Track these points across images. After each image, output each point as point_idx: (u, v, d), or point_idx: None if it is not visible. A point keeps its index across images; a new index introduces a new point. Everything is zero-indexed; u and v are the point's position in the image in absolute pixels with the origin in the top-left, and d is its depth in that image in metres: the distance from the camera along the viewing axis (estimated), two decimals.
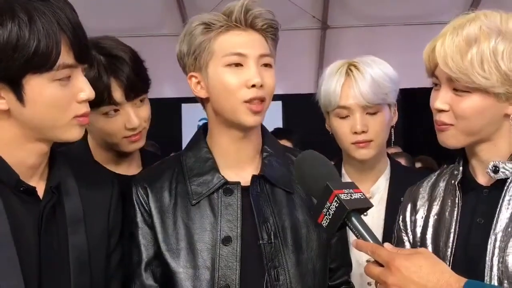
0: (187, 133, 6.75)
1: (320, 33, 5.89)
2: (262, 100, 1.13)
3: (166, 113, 6.49)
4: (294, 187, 1.19)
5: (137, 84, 1.33)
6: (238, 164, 1.19)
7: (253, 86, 1.10)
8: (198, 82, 1.17)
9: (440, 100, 1.03)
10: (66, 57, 0.91)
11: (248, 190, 1.16)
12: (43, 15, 0.88)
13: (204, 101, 1.20)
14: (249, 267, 1.12)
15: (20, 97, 0.90)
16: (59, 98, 0.92)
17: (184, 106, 6.60)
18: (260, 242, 1.13)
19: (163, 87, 6.50)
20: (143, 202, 1.16)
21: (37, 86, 0.90)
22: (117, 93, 1.30)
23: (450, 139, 1.05)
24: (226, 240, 1.13)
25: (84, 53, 0.95)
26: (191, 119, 6.66)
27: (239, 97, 1.11)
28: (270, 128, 1.29)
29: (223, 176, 1.16)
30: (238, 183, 1.16)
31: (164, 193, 1.17)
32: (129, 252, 1.16)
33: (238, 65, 1.12)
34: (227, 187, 1.16)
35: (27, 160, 0.97)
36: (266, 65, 1.15)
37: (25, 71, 0.88)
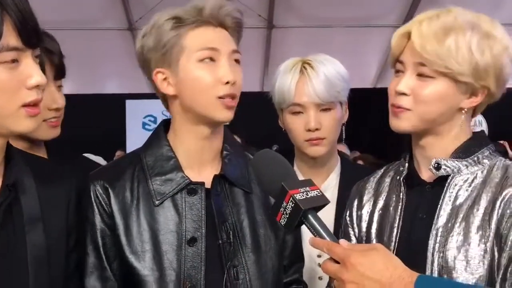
0: (131, 130, 6.61)
1: (266, 32, 5.94)
2: (233, 96, 1.14)
3: (110, 109, 6.33)
4: (253, 186, 1.20)
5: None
6: (200, 163, 1.18)
7: (227, 83, 1.11)
8: (165, 79, 1.14)
9: (404, 83, 1.06)
10: (10, 38, 0.87)
11: (210, 190, 1.16)
12: None
13: (169, 98, 1.17)
14: (211, 267, 1.12)
15: None
16: (4, 83, 0.88)
17: (129, 102, 6.45)
18: (220, 242, 1.13)
19: (106, 82, 6.33)
20: (103, 203, 1.13)
21: None
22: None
23: (404, 122, 1.07)
24: (192, 241, 1.12)
25: (33, 37, 0.91)
26: (135, 116, 6.53)
27: (213, 93, 1.11)
28: None
29: (187, 176, 1.15)
30: (202, 183, 1.15)
31: (126, 193, 1.14)
32: (89, 253, 1.13)
33: (211, 59, 1.11)
34: (191, 187, 1.14)
35: None
36: (236, 61, 1.16)
37: None
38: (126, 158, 1.23)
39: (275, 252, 1.19)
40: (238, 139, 3.19)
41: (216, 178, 1.17)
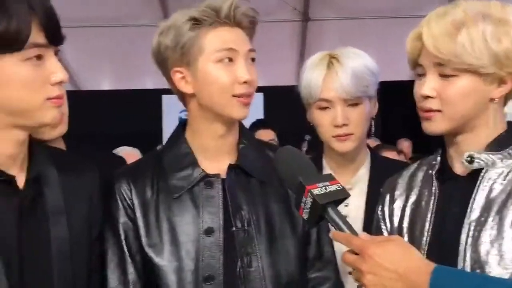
0: (168, 125, 6.71)
1: (301, 25, 5.92)
2: (249, 94, 1.17)
3: (147, 104, 6.45)
4: (270, 178, 1.21)
5: None
6: (216, 156, 1.21)
7: (245, 82, 1.14)
8: (183, 77, 1.17)
9: (427, 86, 1.04)
10: (36, 37, 0.91)
11: (225, 181, 1.19)
12: None
13: (186, 96, 1.21)
14: (228, 255, 1.15)
15: None
16: (31, 79, 0.92)
17: (165, 98, 6.56)
18: (234, 229, 1.16)
19: (143, 78, 6.45)
20: (127, 198, 1.18)
21: (8, 66, 0.91)
22: None
23: (437, 125, 1.06)
24: (209, 231, 1.15)
25: (56, 35, 0.95)
26: (171, 110, 6.62)
27: (230, 92, 1.14)
28: (251, 120, 1.31)
29: (203, 170, 1.19)
30: (218, 175, 1.19)
31: (146, 188, 1.18)
32: (111, 247, 1.17)
33: (229, 60, 1.14)
34: (208, 179, 1.18)
35: (5, 149, 0.97)
36: (252, 59, 1.19)
37: None
38: (148, 157, 1.28)
39: (292, 244, 1.20)
40: (273, 133, 3.22)
41: (231, 167, 1.20)
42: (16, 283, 0.94)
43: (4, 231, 0.94)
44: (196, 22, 1.14)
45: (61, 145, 1.40)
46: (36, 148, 1.04)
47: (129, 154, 2.68)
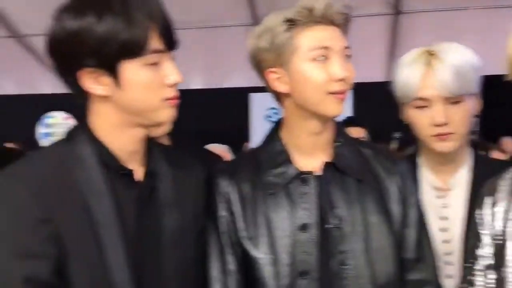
0: (255, 122, 6.81)
1: (392, 18, 5.70)
2: (344, 92, 1.17)
3: (235, 102, 6.59)
4: (365, 176, 1.20)
5: None
6: (311, 154, 1.22)
7: (341, 80, 1.14)
8: (278, 78, 1.19)
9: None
10: (155, 43, 0.99)
11: (320, 178, 1.19)
12: (136, 8, 0.97)
13: (281, 95, 1.23)
14: (322, 252, 1.16)
15: (117, 82, 0.99)
16: (150, 81, 1.00)
17: (252, 96, 6.65)
18: (328, 226, 1.16)
19: (231, 76, 6.58)
20: (226, 193, 1.22)
21: (131, 71, 0.98)
22: None
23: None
24: (304, 227, 1.16)
25: (172, 41, 1.03)
26: (259, 108, 6.71)
27: (325, 90, 1.15)
28: (340, 117, 1.28)
29: (297, 167, 1.20)
30: (312, 172, 1.20)
31: (243, 184, 1.22)
32: (212, 238, 1.21)
33: (324, 57, 1.15)
34: (302, 177, 1.20)
35: (127, 146, 1.06)
36: (347, 56, 1.18)
37: (120, 58, 0.97)
38: (245, 155, 1.33)
39: (389, 243, 1.18)
40: (363, 130, 3.13)
41: (326, 165, 1.20)
42: (135, 270, 1.02)
43: (126, 220, 1.02)
44: (291, 23, 1.16)
45: (166, 142, 1.48)
46: (152, 144, 1.12)
47: (219, 150, 2.75)
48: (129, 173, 1.06)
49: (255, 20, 5.73)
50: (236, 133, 6.29)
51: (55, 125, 7.29)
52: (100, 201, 0.99)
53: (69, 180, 0.99)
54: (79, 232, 0.97)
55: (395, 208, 1.21)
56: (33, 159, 1.04)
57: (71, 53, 0.97)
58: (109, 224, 0.99)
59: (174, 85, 1.03)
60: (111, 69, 0.98)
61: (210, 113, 6.37)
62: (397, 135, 3.23)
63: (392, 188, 1.22)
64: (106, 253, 0.98)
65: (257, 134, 6.53)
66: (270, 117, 6.60)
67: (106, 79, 0.99)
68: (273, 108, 6.51)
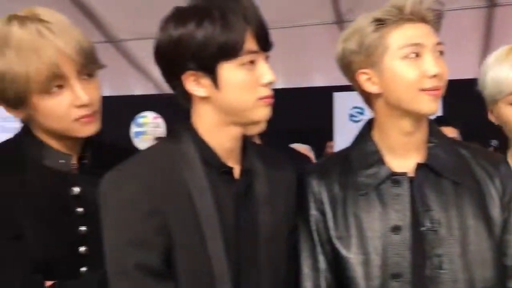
0: (339, 122, 6.72)
1: (487, 12, 5.37)
2: (438, 88, 1.14)
3: (318, 101, 6.54)
4: (464, 178, 1.17)
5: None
6: (404, 155, 1.20)
7: (434, 76, 1.12)
8: (369, 79, 1.19)
9: None
10: (250, 44, 1.04)
11: (414, 180, 1.17)
12: (233, 12, 1.03)
13: (372, 96, 1.22)
14: (416, 255, 1.13)
15: (215, 83, 1.05)
16: (246, 81, 1.05)
17: (336, 95, 6.57)
18: (422, 229, 1.13)
19: (314, 76, 6.55)
20: (316, 192, 1.23)
21: (228, 71, 1.04)
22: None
23: None
24: (396, 229, 1.15)
25: (266, 42, 1.07)
26: (342, 107, 6.61)
27: (418, 87, 1.13)
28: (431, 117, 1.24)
29: (389, 168, 1.18)
30: (405, 173, 1.18)
31: (334, 184, 1.22)
32: (303, 237, 1.23)
33: (416, 55, 1.13)
34: (395, 178, 1.18)
35: (225, 144, 1.11)
36: (440, 52, 1.16)
37: (218, 59, 1.03)
38: (336, 155, 1.32)
39: (488, 248, 1.13)
40: (455, 131, 2.98)
41: (420, 167, 1.17)
42: (232, 261, 1.06)
43: (225, 214, 1.07)
44: (380, 23, 1.15)
45: (258, 141, 1.51)
46: (247, 143, 1.17)
47: (302, 150, 2.76)
48: (229, 170, 1.10)
49: (338, 18, 5.66)
50: (319, 133, 6.25)
51: (146, 124, 7.68)
52: (202, 196, 1.05)
53: (175, 176, 1.06)
54: (184, 224, 1.03)
55: (496, 213, 1.16)
56: (144, 156, 1.11)
57: (174, 58, 1.05)
58: (210, 218, 1.05)
59: (268, 85, 1.07)
60: (210, 71, 1.04)
61: (293, 113, 6.37)
62: (493, 143, 3.01)
63: (493, 191, 1.17)
64: (207, 245, 1.03)
65: (341, 133, 6.44)
66: (354, 116, 6.48)
67: (206, 81, 1.05)
68: (357, 107, 6.40)
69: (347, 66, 1.22)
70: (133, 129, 7.70)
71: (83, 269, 1.15)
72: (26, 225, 1.09)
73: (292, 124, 5.98)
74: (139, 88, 7.36)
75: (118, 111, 7.27)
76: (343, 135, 6.27)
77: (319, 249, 1.21)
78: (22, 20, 1.09)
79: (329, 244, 1.20)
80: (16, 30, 1.08)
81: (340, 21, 5.75)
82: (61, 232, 1.13)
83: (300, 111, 6.39)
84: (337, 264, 1.19)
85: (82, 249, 1.15)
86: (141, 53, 6.58)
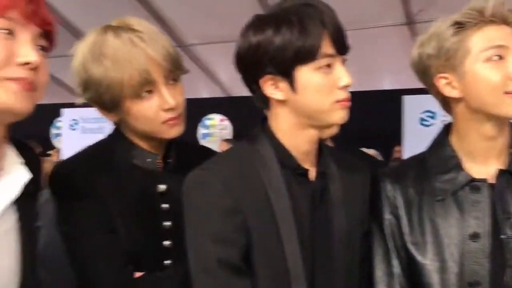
0: (408, 125, 6.51)
1: None
2: None
3: (387, 104, 6.38)
4: None
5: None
6: (484, 160, 1.17)
7: None
8: (449, 83, 1.16)
9: None
10: (327, 48, 1.05)
11: (494, 186, 1.13)
12: (310, 17, 1.05)
13: (452, 101, 1.19)
14: (494, 263, 1.10)
15: (292, 86, 1.07)
16: (322, 84, 1.06)
17: (406, 98, 6.38)
18: (503, 236, 1.10)
19: (383, 79, 6.40)
20: (391, 196, 1.22)
21: (305, 75, 1.06)
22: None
23: None
24: (474, 237, 1.11)
25: (343, 46, 1.08)
26: (412, 111, 6.41)
27: (502, 90, 1.10)
28: None
29: (469, 174, 1.15)
30: (485, 180, 1.14)
31: (409, 189, 1.21)
32: (377, 240, 1.22)
33: (499, 57, 1.10)
34: (474, 184, 1.14)
35: (302, 146, 1.12)
36: None
37: (295, 63, 1.05)
38: (411, 159, 1.29)
39: None
40: None
41: (502, 173, 1.13)
42: (309, 263, 1.08)
43: (301, 216, 1.09)
44: (459, 26, 1.13)
45: (330, 144, 1.50)
46: (322, 146, 1.18)
47: (371, 154, 2.73)
48: (304, 172, 1.11)
49: (409, 19, 5.49)
50: (387, 137, 6.09)
51: (213, 126, 7.85)
52: (279, 198, 1.07)
53: (254, 177, 1.08)
54: (262, 224, 1.05)
55: None
56: (225, 157, 1.15)
57: (253, 63, 1.08)
58: (287, 219, 1.06)
59: (345, 88, 1.07)
60: (288, 75, 1.06)
61: (362, 116, 6.25)
62: None
63: None
64: (284, 245, 1.05)
65: (410, 138, 6.23)
66: (425, 120, 6.25)
67: (284, 85, 1.07)
68: (429, 111, 6.17)
69: (424, 71, 1.20)
70: (200, 131, 7.89)
71: (167, 262, 1.20)
72: (118, 219, 1.15)
73: (359, 128, 5.87)
74: (206, 91, 7.54)
75: (186, 113, 7.49)
76: (413, 140, 6.07)
77: (393, 253, 1.20)
78: (116, 30, 1.17)
79: (404, 249, 1.18)
80: (111, 40, 1.15)
81: (410, 22, 5.59)
82: (148, 226, 1.19)
83: (368, 115, 6.25)
84: (412, 270, 1.17)
85: (166, 243, 1.20)
86: (208, 57, 6.75)
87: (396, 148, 6.23)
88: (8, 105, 0.89)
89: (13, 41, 0.89)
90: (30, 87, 0.90)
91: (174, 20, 6.01)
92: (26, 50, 0.90)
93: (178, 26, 6.02)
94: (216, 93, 7.38)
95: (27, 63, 0.90)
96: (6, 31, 0.88)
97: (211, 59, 6.79)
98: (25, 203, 0.98)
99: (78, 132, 7.97)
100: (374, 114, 6.25)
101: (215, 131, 7.77)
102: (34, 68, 0.91)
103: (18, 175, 0.98)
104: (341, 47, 1.07)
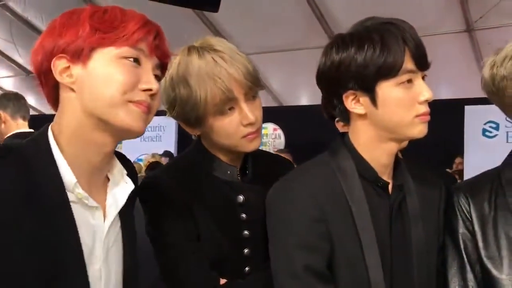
0: (470, 136, 6.24)
1: None
2: None
3: (448, 115, 6.16)
4: None
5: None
6: None
7: None
8: None
9: None
10: (408, 64, 1.09)
11: None
12: (392, 35, 1.09)
13: None
14: None
15: (374, 101, 1.11)
16: (403, 99, 1.10)
17: (468, 108, 6.12)
18: None
19: (444, 88, 6.18)
20: (465, 210, 1.22)
21: (386, 90, 1.09)
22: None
23: None
24: None
25: (423, 62, 1.11)
26: (474, 122, 6.15)
27: None
28: None
29: None
30: None
31: (484, 203, 1.21)
32: (451, 254, 1.22)
33: None
34: None
35: (381, 159, 1.16)
36: None
37: (377, 79, 1.09)
38: (485, 174, 1.28)
39: None
40: None
41: None
42: (388, 273, 1.11)
43: (380, 227, 1.12)
44: None
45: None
46: (398, 159, 1.21)
47: None
48: (384, 185, 1.15)
49: (468, 26, 5.29)
50: (448, 148, 5.87)
51: (266, 136, 7.86)
52: (360, 208, 1.11)
53: (337, 189, 1.13)
54: (344, 233, 1.10)
55: None
56: (307, 168, 1.19)
57: (336, 79, 1.13)
58: (368, 230, 1.10)
59: (425, 102, 1.10)
60: (370, 90, 1.10)
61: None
62: None
63: None
64: (365, 255, 1.09)
65: (472, 149, 5.97)
66: (488, 131, 5.98)
67: (365, 99, 1.12)
68: (492, 122, 5.90)
69: (498, 92, 1.20)
70: None
71: (247, 269, 1.25)
72: (204, 228, 1.21)
73: (422, 138, 5.70)
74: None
75: None
76: (476, 151, 5.82)
77: (468, 267, 1.19)
78: (200, 51, 1.22)
79: (479, 264, 1.18)
80: (196, 61, 1.21)
81: (470, 29, 5.38)
82: (230, 235, 1.24)
83: (430, 124, 6.06)
84: (487, 285, 1.16)
85: (246, 251, 1.25)
86: (261, 66, 6.77)
87: (457, 160, 5.99)
88: (129, 125, 0.98)
89: (139, 69, 0.99)
90: (148, 110, 1.00)
91: (229, 31, 6.09)
92: (149, 78, 1.00)
93: (232, 36, 6.09)
94: (269, 102, 7.39)
95: (149, 90, 0.99)
96: (135, 60, 0.98)
97: (263, 69, 6.83)
98: (126, 209, 1.07)
99: (137, 139, 8.22)
100: (435, 124, 6.04)
101: (268, 140, 7.77)
102: (153, 94, 1.00)
103: (125, 186, 1.07)
104: (422, 63, 1.10)
